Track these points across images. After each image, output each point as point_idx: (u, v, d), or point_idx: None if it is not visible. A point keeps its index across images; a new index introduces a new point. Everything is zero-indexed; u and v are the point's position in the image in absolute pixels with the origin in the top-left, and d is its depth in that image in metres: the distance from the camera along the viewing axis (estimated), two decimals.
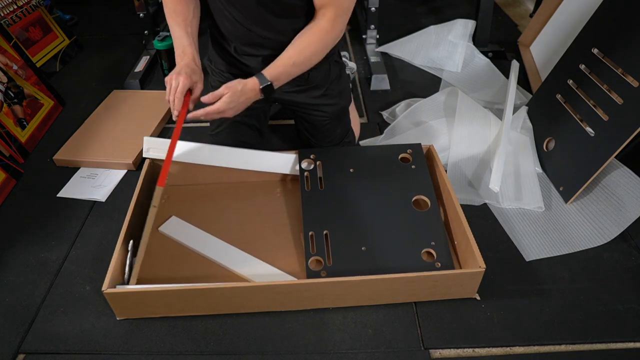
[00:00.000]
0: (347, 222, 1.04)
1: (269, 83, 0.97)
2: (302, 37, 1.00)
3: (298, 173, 1.16)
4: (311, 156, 1.17)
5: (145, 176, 1.13)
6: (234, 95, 0.95)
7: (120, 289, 0.89)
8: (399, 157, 1.17)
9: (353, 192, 1.10)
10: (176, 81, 0.95)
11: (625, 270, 1.03)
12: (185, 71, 0.96)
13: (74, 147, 1.39)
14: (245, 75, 0.99)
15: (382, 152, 1.20)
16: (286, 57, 0.99)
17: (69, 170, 1.34)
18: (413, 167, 1.15)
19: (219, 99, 0.95)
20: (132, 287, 0.91)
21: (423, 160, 1.17)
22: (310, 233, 1.02)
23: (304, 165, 1.16)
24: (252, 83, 0.97)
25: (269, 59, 1.01)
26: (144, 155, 1.16)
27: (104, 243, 1.11)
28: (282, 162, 1.19)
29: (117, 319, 0.94)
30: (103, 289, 0.87)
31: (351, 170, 1.14)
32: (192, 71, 0.98)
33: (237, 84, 0.96)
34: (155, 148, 1.16)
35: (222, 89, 0.95)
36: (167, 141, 1.13)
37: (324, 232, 1.03)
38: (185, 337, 0.91)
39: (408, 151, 1.18)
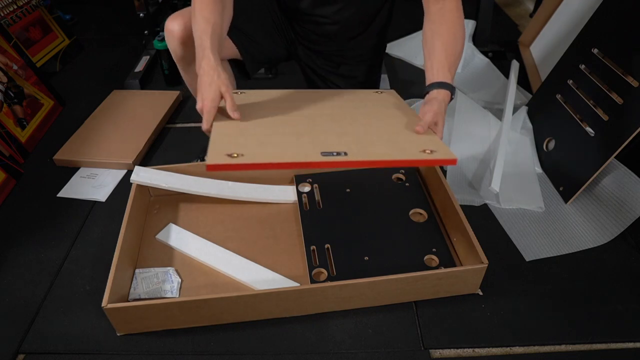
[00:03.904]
0: (348, 236, 1.06)
1: (454, 87, 0.91)
2: (443, 25, 0.94)
3: (296, 198, 1.16)
4: (308, 180, 1.20)
5: (137, 188, 1.11)
6: (441, 111, 0.87)
7: (121, 303, 0.87)
8: (393, 177, 1.22)
9: (351, 209, 1.13)
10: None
11: (625, 270, 1.03)
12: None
13: (74, 147, 1.39)
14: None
15: (376, 173, 1.22)
16: (445, 52, 0.91)
17: (69, 170, 1.34)
18: (407, 184, 1.19)
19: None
20: (133, 301, 0.90)
21: (416, 179, 1.21)
22: (312, 247, 1.03)
23: (301, 188, 1.18)
24: (445, 94, 0.89)
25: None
26: (131, 180, 1.12)
27: (104, 243, 1.11)
28: (279, 192, 1.19)
29: (118, 334, 0.91)
30: (103, 304, 0.85)
31: (347, 190, 1.17)
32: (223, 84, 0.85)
33: (436, 104, 0.87)
34: (144, 175, 1.13)
35: (431, 116, 0.86)
36: (157, 171, 1.14)
37: (326, 246, 1.03)
38: (185, 337, 0.91)
39: (401, 171, 1.22)
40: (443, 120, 0.88)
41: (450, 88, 0.89)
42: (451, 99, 0.90)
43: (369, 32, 1.15)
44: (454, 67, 0.92)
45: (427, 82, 0.91)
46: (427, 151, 0.79)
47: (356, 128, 0.87)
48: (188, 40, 0.99)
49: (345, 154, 0.76)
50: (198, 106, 0.84)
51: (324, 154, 0.76)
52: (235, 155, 0.74)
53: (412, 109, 0.99)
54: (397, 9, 1.07)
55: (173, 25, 0.98)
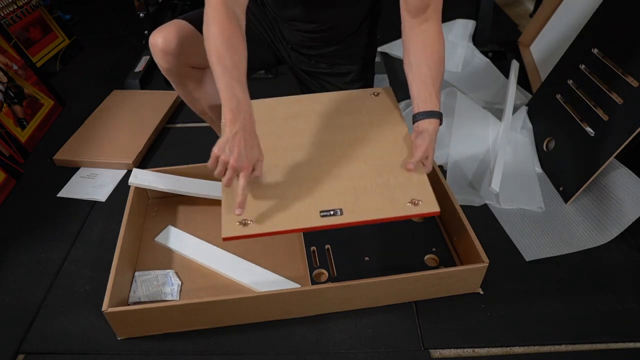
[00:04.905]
0: (348, 236, 1.05)
1: (441, 114, 0.93)
2: (427, 50, 0.97)
3: None
4: None
5: (135, 190, 1.11)
6: (432, 144, 0.90)
7: (122, 307, 0.86)
8: None
9: None
10: (243, 177, 0.77)
11: (625, 270, 1.03)
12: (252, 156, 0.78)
13: (74, 147, 1.39)
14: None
15: None
16: (432, 79, 0.94)
17: (69, 170, 1.34)
18: None
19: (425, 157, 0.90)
20: (133, 305, 0.89)
21: None
22: (312, 248, 1.03)
23: None
24: (435, 124, 0.90)
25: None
26: (129, 183, 1.12)
27: (104, 243, 1.11)
28: None
29: (118, 338, 0.91)
30: (103, 309, 0.85)
31: None
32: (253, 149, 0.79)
33: (427, 138, 0.89)
34: (142, 178, 1.13)
35: (422, 152, 0.88)
36: (155, 173, 1.14)
37: (326, 247, 1.03)
38: (185, 338, 0.91)
39: None
40: (433, 151, 0.91)
41: (439, 116, 0.92)
42: (440, 124, 0.92)
43: (362, 29, 1.15)
44: (439, 93, 0.95)
45: (416, 110, 0.93)
46: (414, 201, 0.84)
47: (352, 168, 0.90)
48: (170, 52, 0.99)
49: (341, 211, 0.82)
50: (232, 162, 0.75)
51: (323, 213, 0.82)
52: (247, 222, 0.80)
53: (406, 127, 0.98)
54: (396, 9, 1.07)
55: (156, 39, 0.99)
